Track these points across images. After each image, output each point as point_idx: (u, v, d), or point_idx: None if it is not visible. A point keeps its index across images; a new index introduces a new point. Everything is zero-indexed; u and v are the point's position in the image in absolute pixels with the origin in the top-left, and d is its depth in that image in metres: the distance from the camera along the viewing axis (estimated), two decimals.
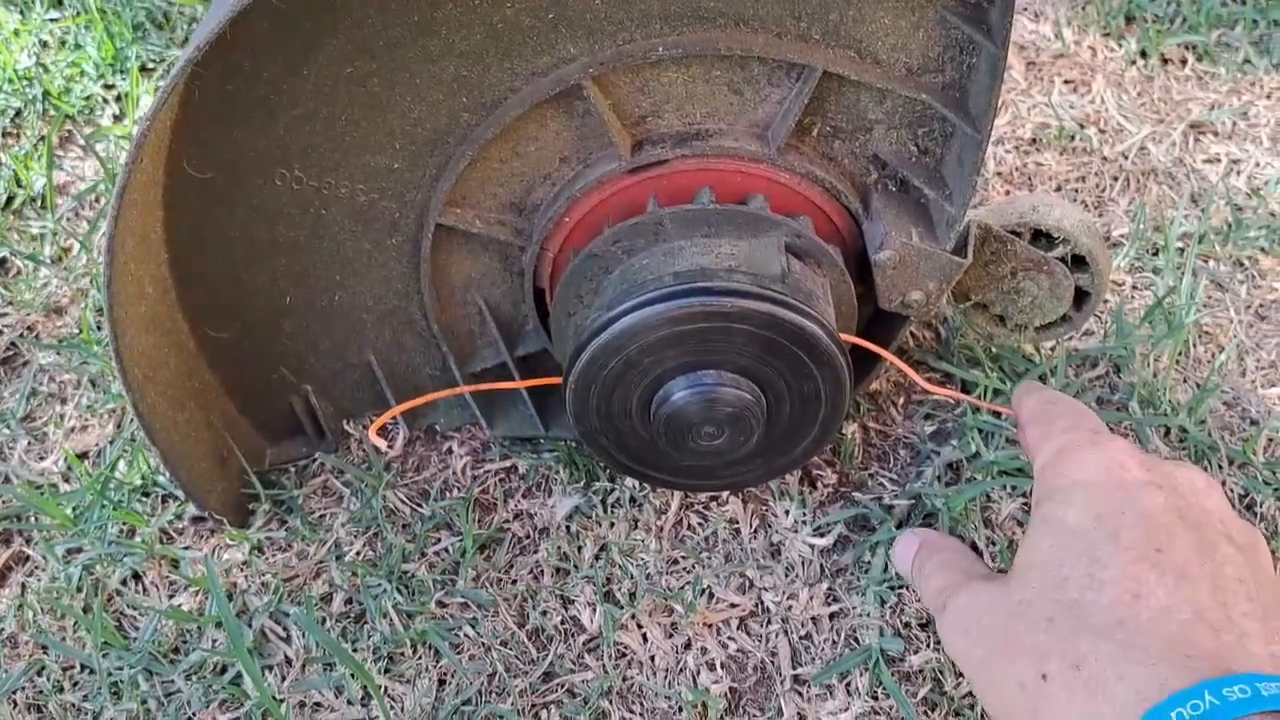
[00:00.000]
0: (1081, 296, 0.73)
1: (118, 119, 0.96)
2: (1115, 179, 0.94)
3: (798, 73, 0.62)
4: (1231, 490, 0.75)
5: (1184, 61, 1.03)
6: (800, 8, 0.59)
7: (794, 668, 0.68)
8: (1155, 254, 0.89)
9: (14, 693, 0.67)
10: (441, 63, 0.60)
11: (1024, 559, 0.43)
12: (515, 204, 0.67)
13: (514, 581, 0.71)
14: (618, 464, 0.66)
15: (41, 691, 0.67)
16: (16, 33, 1.00)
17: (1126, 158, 0.95)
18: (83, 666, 0.68)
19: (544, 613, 0.69)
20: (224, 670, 0.67)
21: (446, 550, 0.72)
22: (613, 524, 0.73)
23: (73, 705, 0.67)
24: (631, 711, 0.66)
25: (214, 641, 0.68)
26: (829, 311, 0.62)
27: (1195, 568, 0.38)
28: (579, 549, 0.72)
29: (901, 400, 0.79)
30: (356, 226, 0.67)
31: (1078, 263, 0.71)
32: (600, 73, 0.61)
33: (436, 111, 0.62)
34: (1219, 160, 0.96)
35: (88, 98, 0.96)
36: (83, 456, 0.77)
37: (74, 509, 0.74)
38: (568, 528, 0.73)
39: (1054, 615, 0.38)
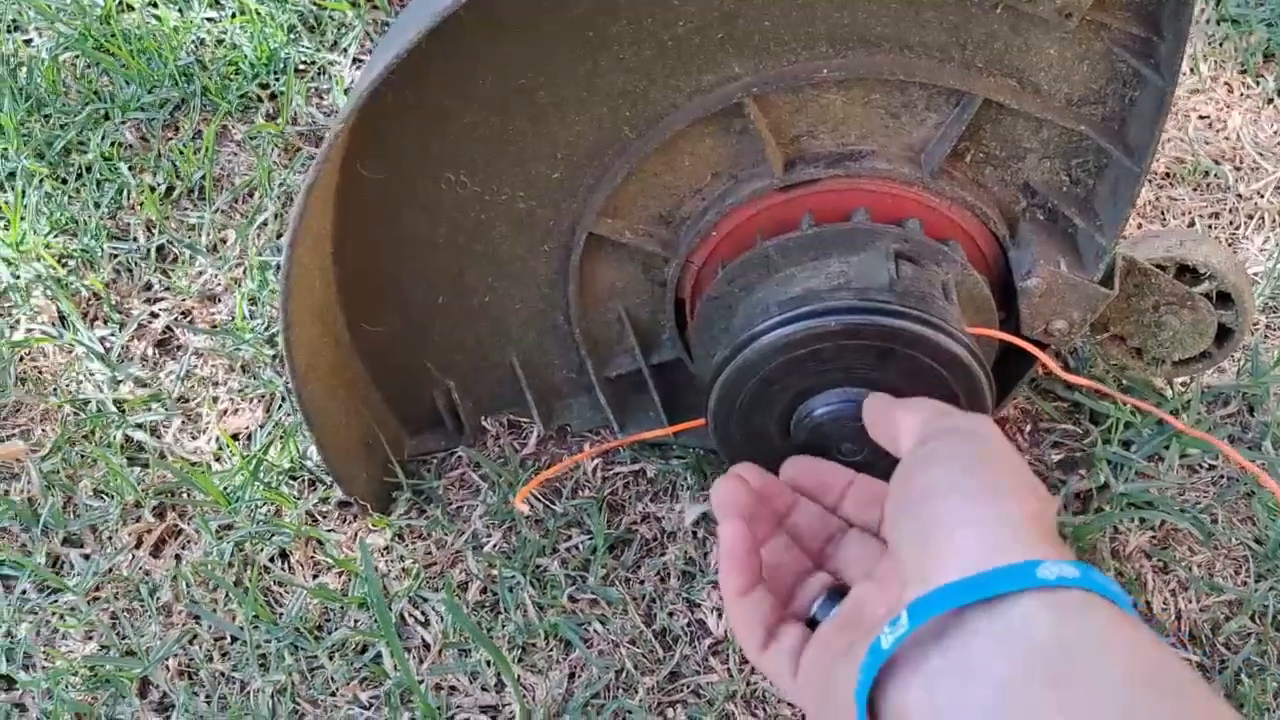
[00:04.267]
0: (1223, 334, 0.73)
1: (270, 118, 1.00)
2: (1250, 217, 0.93)
3: (957, 99, 0.63)
4: None
5: None
6: (966, 36, 0.61)
7: None
8: None
9: (168, 659, 0.71)
10: (609, 77, 0.63)
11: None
12: (664, 216, 0.69)
13: (642, 582, 0.73)
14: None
15: (193, 659, 0.71)
16: (177, 30, 1.05)
17: (1262, 196, 0.94)
18: (233, 638, 0.71)
19: (670, 614, 0.71)
20: (364, 649, 0.70)
21: (577, 548, 0.74)
22: None
23: (223, 674, 0.70)
24: (755, 716, 0.67)
25: (356, 621, 0.71)
26: (949, 310, 0.61)
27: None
28: (705, 555, 0.74)
29: (1029, 428, 0.80)
30: (513, 232, 0.70)
31: (1222, 299, 0.71)
32: (762, 92, 0.63)
33: (600, 124, 0.65)
34: None
35: (243, 95, 1.01)
36: (234, 438, 0.81)
37: (226, 487, 0.77)
38: (694, 533, 0.75)
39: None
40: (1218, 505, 0.75)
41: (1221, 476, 0.77)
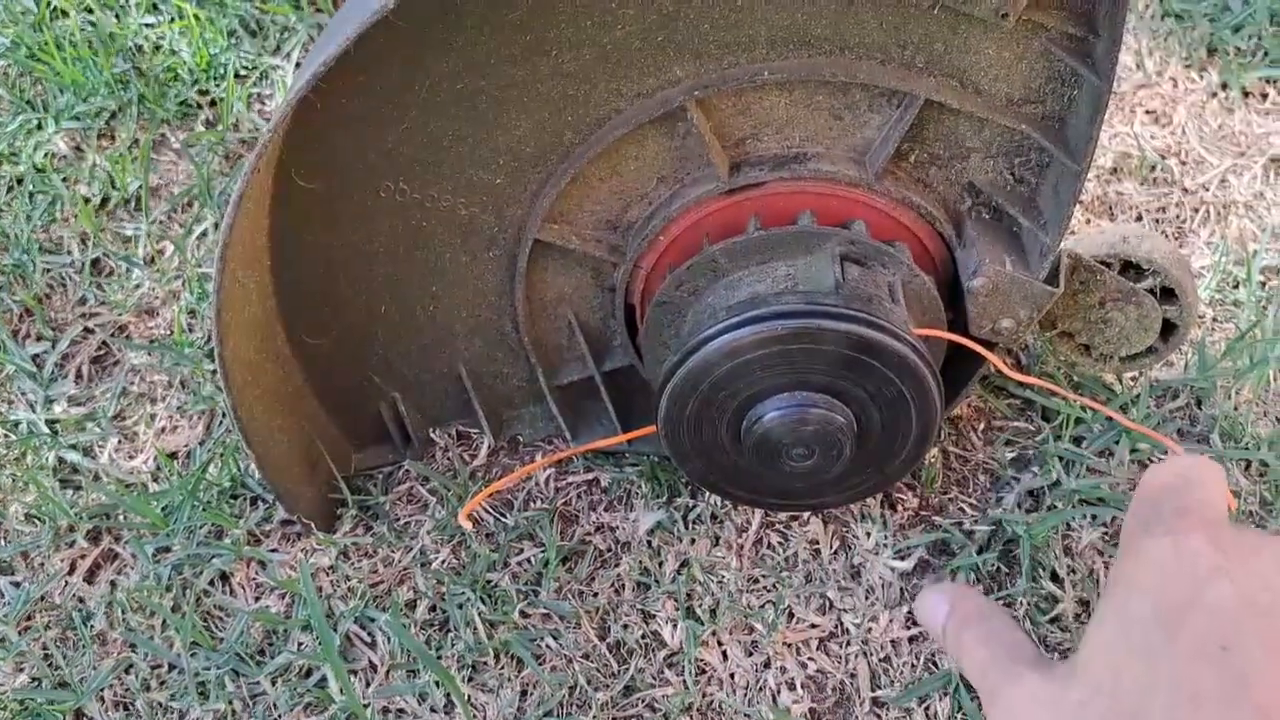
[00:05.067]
0: (1169, 328, 0.73)
1: (210, 125, 0.98)
2: (1196, 210, 0.94)
3: (899, 100, 0.62)
4: None
5: (1265, 95, 1.03)
6: (906, 36, 0.60)
7: (873, 690, 0.68)
8: (1236, 287, 0.88)
9: (102, 690, 0.68)
10: (550, 82, 0.61)
11: (1085, 652, 0.41)
12: (611, 221, 0.68)
13: (595, 594, 0.71)
14: (719, 490, 0.67)
15: (129, 690, 0.69)
16: (113, 35, 1.02)
17: (1208, 189, 0.95)
18: (170, 666, 0.69)
19: (625, 626, 0.70)
20: (309, 673, 0.69)
21: (529, 561, 0.73)
22: (694, 540, 0.73)
23: (160, 704, 0.68)
24: None
25: (300, 645, 0.69)
26: (896, 312, 0.61)
27: (1262, 664, 0.36)
28: (660, 564, 0.73)
29: (982, 426, 0.79)
30: (455, 239, 0.68)
31: (1166, 295, 0.71)
32: (704, 95, 0.62)
33: (541, 129, 0.63)
34: None
35: (182, 102, 0.98)
36: (173, 456, 0.79)
37: (163, 509, 0.75)
38: (649, 542, 0.74)
39: None
40: None
41: None
